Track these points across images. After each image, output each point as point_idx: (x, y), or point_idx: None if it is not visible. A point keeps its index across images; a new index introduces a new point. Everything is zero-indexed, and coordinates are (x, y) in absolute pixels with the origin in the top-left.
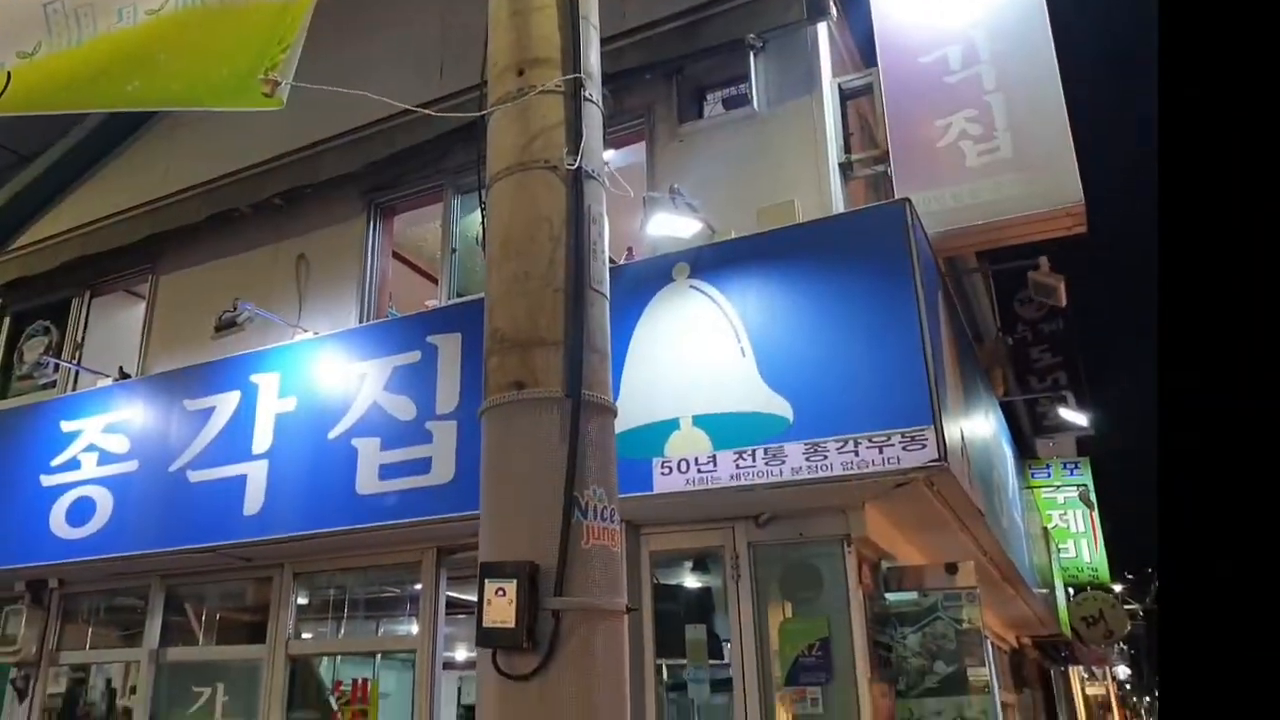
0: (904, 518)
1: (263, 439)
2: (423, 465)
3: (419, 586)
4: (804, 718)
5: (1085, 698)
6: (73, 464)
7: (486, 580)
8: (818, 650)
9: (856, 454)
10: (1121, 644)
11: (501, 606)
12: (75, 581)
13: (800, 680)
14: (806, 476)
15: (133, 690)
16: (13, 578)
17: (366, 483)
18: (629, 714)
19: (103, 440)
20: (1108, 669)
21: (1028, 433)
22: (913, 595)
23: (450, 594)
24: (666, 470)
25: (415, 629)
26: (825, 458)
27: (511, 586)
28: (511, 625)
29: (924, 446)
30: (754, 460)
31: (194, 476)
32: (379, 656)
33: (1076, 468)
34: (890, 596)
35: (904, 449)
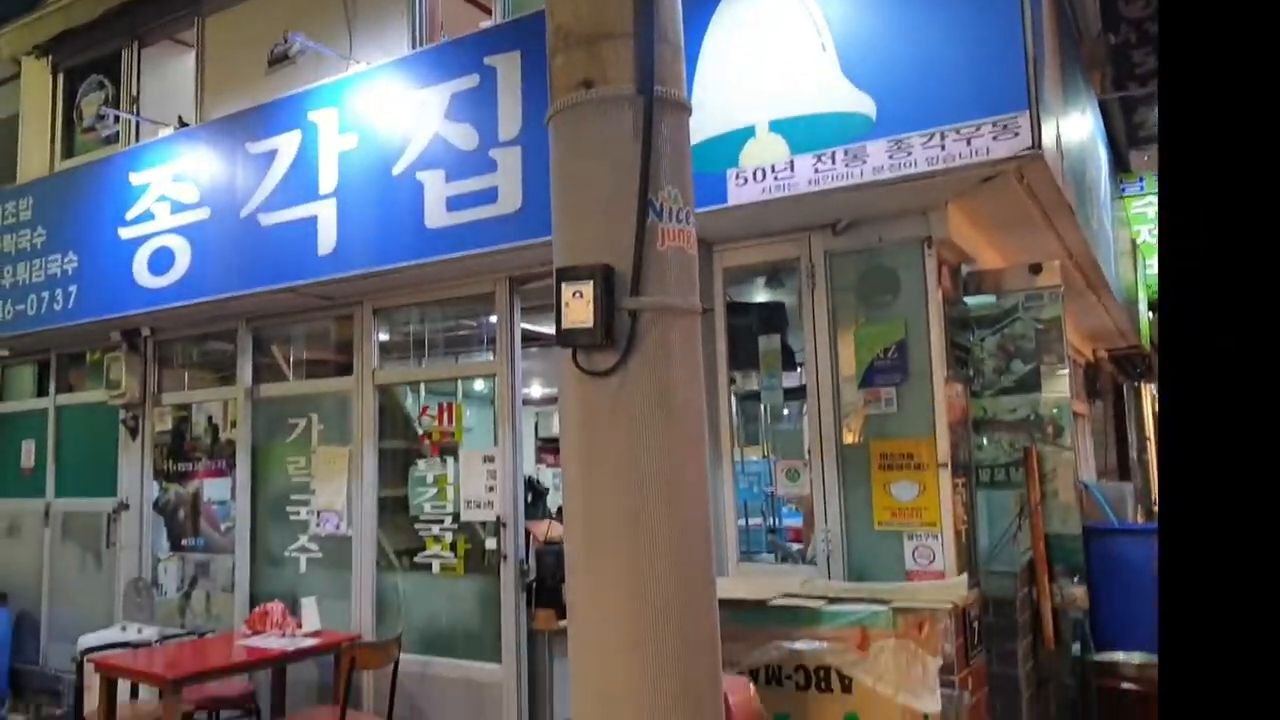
0: (988, 218)
1: (328, 179)
2: (489, 195)
3: (494, 319)
4: (877, 417)
5: (1155, 413)
6: (147, 215)
7: (563, 284)
8: (893, 353)
9: (943, 148)
10: None
11: (579, 307)
12: (166, 328)
13: (875, 381)
14: (888, 176)
15: (233, 424)
16: (107, 328)
17: (435, 216)
18: (705, 406)
19: (172, 190)
20: None
21: (1123, 144)
22: (992, 299)
23: (524, 326)
24: (742, 181)
25: (493, 357)
26: (909, 154)
27: (588, 288)
28: (590, 325)
29: (1017, 135)
30: (833, 163)
31: (265, 220)
32: (460, 385)
33: None
34: (970, 300)
35: (994, 139)
